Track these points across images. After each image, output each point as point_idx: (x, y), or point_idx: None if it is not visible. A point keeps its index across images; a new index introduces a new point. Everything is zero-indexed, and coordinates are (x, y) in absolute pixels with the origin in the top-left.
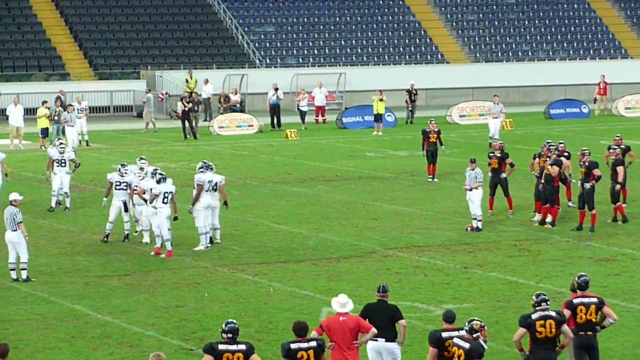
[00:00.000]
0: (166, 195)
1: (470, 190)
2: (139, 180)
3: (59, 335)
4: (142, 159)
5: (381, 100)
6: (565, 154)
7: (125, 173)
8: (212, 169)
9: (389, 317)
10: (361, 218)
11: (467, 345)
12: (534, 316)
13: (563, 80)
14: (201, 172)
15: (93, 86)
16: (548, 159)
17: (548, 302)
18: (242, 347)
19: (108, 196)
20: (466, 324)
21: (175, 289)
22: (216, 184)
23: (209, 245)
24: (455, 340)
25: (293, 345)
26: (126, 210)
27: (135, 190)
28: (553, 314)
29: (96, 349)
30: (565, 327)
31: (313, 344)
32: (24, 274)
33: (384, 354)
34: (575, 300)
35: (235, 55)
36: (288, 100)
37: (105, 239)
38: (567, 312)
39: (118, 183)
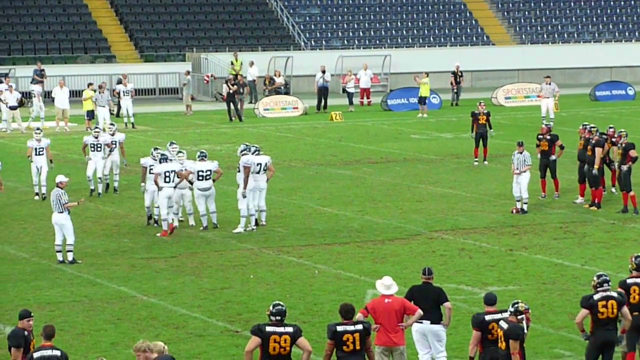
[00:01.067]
0: (167, 174)
1: (519, 173)
2: (180, 164)
3: (105, 317)
4: (172, 143)
5: (425, 83)
6: (613, 139)
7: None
8: (258, 151)
9: (434, 299)
10: (406, 200)
11: (506, 325)
12: (596, 297)
13: (608, 62)
14: (245, 154)
15: (139, 68)
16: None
17: (609, 283)
18: (290, 329)
19: (145, 180)
20: (510, 306)
21: (221, 271)
22: (265, 164)
23: (255, 227)
24: (500, 322)
25: (339, 328)
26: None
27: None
28: (615, 294)
29: (142, 330)
30: (625, 310)
31: (359, 326)
32: (69, 256)
33: (429, 336)
34: (629, 280)
35: (280, 38)
36: (333, 82)
37: (149, 221)
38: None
39: (152, 167)
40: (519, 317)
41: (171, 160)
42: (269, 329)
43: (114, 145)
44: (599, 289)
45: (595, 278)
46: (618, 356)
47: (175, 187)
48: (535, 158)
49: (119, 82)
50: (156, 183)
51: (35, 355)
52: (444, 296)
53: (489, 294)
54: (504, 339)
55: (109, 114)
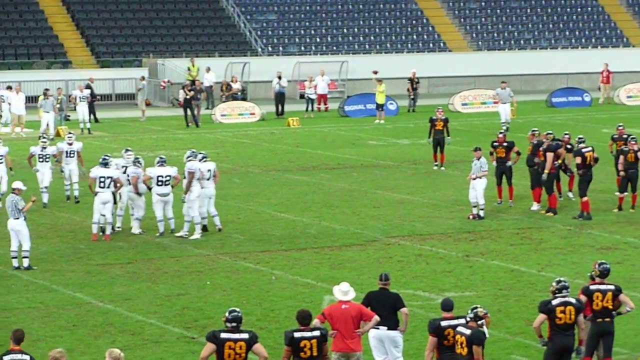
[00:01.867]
0: (102, 180)
1: (475, 179)
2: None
3: (61, 323)
4: (128, 150)
5: (381, 91)
6: (569, 146)
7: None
8: (205, 157)
9: (391, 305)
10: (363, 206)
11: (468, 331)
12: (554, 302)
13: (565, 68)
14: (190, 160)
15: (95, 74)
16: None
17: (568, 290)
18: (245, 336)
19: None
20: (469, 311)
21: (177, 277)
22: (213, 171)
23: (201, 233)
24: (459, 328)
25: (297, 334)
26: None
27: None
28: (573, 300)
29: (98, 337)
30: (580, 318)
31: (316, 333)
32: (25, 262)
33: (385, 342)
34: (592, 287)
35: (237, 44)
36: (290, 88)
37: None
38: (583, 298)
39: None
40: (479, 322)
41: (125, 166)
42: (224, 335)
43: (71, 156)
44: (557, 295)
45: (554, 284)
46: None
47: (114, 194)
48: (491, 165)
49: (88, 86)
50: (90, 187)
51: (5, 358)
52: (401, 302)
53: (446, 300)
54: (466, 344)
55: (53, 120)
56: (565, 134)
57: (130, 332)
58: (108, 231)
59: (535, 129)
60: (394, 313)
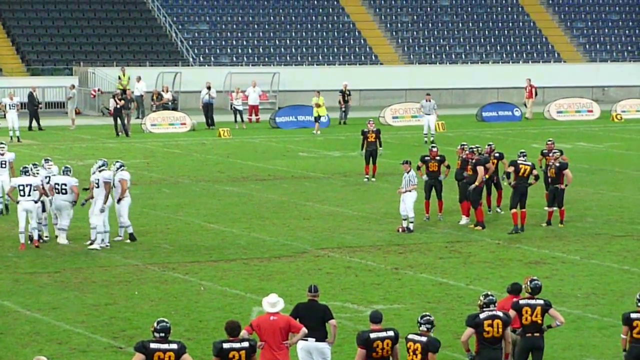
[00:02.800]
0: (21, 188)
1: (405, 192)
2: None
3: None
4: (47, 160)
5: (318, 105)
6: (497, 154)
7: (37, 173)
8: (123, 166)
9: (319, 317)
10: (293, 218)
11: (424, 338)
12: (482, 316)
13: (495, 83)
14: (103, 169)
15: (25, 82)
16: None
17: (495, 304)
18: (174, 346)
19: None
20: (419, 318)
21: (105, 287)
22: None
23: (108, 244)
24: (410, 335)
25: (225, 345)
26: (44, 210)
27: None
28: (500, 314)
29: (25, 345)
30: (507, 332)
31: (245, 344)
32: None
33: (314, 354)
34: (522, 302)
35: (168, 53)
36: (221, 99)
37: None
38: (512, 313)
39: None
40: (431, 328)
41: (48, 176)
42: (153, 345)
43: (3, 166)
44: (484, 309)
45: (482, 297)
46: None
47: (37, 202)
48: (420, 178)
49: (30, 94)
50: (9, 196)
51: None
52: (329, 314)
53: (375, 312)
54: (421, 352)
55: None
56: (489, 145)
57: (57, 341)
58: (35, 236)
59: (464, 142)
60: (323, 325)
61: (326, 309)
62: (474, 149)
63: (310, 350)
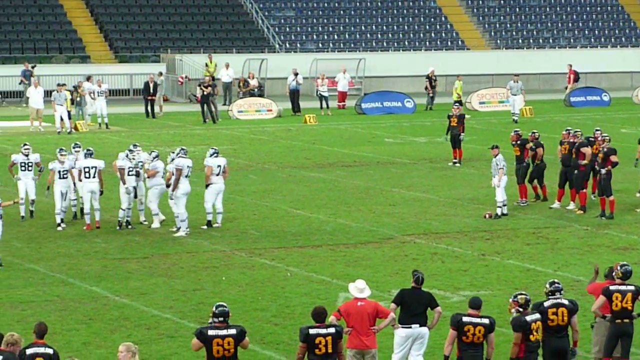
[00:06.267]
0: (87, 170)
1: (495, 178)
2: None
3: (77, 317)
4: (136, 145)
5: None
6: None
7: (134, 158)
8: (217, 153)
9: (424, 303)
10: (379, 204)
11: (567, 302)
12: (546, 304)
13: (584, 67)
14: (180, 157)
15: (113, 69)
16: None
17: (561, 292)
18: (233, 331)
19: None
20: (512, 297)
21: (193, 272)
22: (223, 166)
23: (188, 231)
24: (559, 300)
25: (312, 330)
26: (135, 196)
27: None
28: (566, 302)
29: (114, 331)
30: (574, 319)
31: (331, 330)
32: None
33: (412, 339)
34: (612, 287)
35: (254, 40)
36: (307, 85)
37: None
38: (602, 299)
39: (130, 169)
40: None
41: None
42: (211, 332)
43: (29, 169)
44: (550, 297)
45: (547, 285)
46: None
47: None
48: (511, 163)
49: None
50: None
51: (28, 351)
52: (435, 301)
53: (475, 298)
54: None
55: (67, 113)
56: (597, 129)
57: (145, 326)
58: (98, 217)
59: (569, 127)
60: (425, 311)
61: (431, 296)
62: (578, 133)
63: (412, 336)
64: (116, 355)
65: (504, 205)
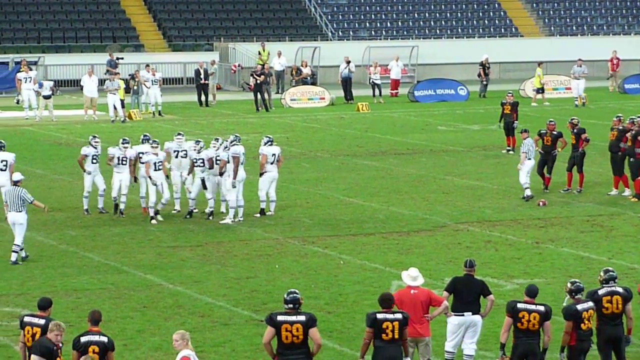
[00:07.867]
0: (123, 161)
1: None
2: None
3: (131, 304)
4: (180, 134)
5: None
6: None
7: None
8: (271, 141)
9: (476, 291)
10: (432, 192)
11: (622, 290)
12: (600, 292)
13: (638, 54)
14: (234, 144)
15: (166, 58)
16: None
17: (616, 280)
18: (302, 318)
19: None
20: (602, 273)
21: (246, 260)
22: (278, 155)
23: (241, 219)
24: (616, 288)
25: (379, 315)
26: (205, 187)
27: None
28: (620, 290)
29: (168, 318)
30: (628, 307)
31: (398, 315)
32: (13, 257)
33: (467, 328)
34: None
35: (307, 28)
36: (360, 73)
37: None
38: None
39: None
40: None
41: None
42: (280, 317)
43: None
44: (604, 285)
45: (602, 273)
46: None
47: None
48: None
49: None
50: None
51: (83, 339)
52: (487, 289)
53: (532, 286)
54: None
55: (120, 102)
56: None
57: (199, 314)
58: (143, 205)
59: (620, 114)
60: (478, 299)
61: (484, 284)
62: (635, 120)
63: (464, 324)
64: (170, 342)
65: (526, 188)
